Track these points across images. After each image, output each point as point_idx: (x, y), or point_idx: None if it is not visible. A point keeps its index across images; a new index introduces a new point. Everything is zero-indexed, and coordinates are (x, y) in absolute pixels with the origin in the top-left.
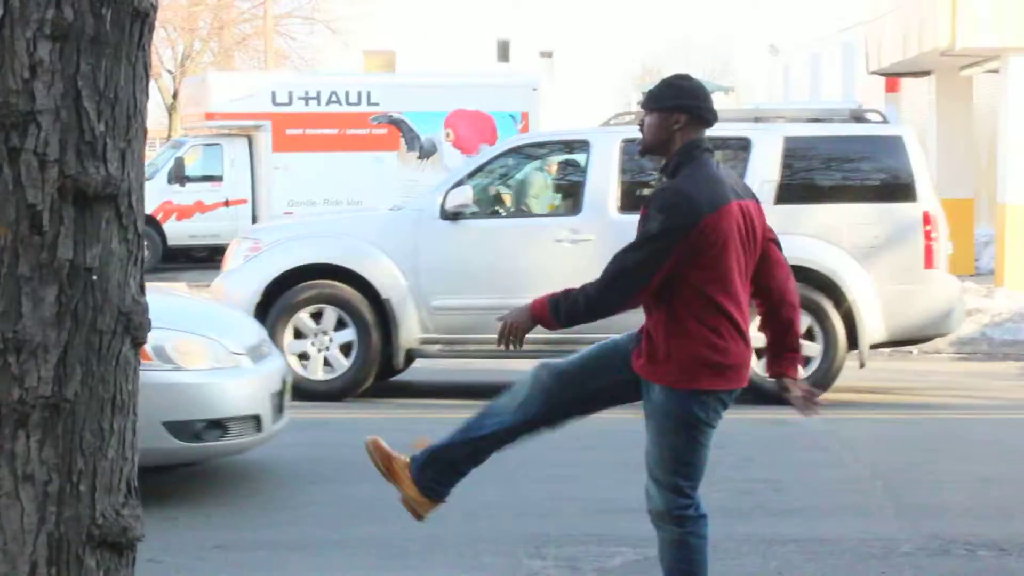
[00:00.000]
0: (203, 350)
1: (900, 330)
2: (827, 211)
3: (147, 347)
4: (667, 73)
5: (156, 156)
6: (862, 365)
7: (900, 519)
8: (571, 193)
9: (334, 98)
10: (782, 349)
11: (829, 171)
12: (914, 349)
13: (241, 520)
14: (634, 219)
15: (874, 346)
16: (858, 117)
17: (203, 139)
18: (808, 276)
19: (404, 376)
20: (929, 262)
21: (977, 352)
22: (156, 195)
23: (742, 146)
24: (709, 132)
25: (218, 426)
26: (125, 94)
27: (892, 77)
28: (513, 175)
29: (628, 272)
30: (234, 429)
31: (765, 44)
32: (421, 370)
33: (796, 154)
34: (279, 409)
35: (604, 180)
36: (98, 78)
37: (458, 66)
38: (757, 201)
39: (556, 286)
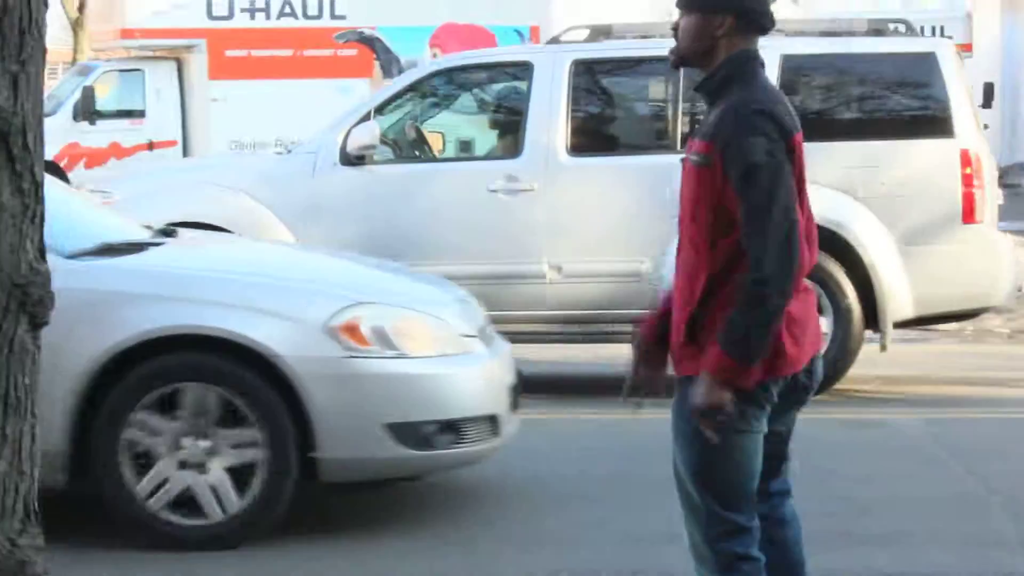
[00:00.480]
0: (429, 332)
1: (933, 302)
2: (838, 150)
3: (365, 329)
4: None
5: (58, 85)
6: (884, 348)
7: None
8: (509, 131)
9: (287, 9)
10: None
11: (840, 99)
12: (969, 325)
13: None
14: (589, 163)
15: (900, 325)
16: (878, 29)
17: (118, 63)
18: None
19: None
20: (969, 215)
21: None
22: (59, 135)
23: None
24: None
25: (451, 429)
26: (16, 3)
27: None
28: (435, 107)
29: (782, 221)
30: (469, 433)
31: None
32: None
33: (797, 77)
34: (514, 407)
35: (549, 114)
36: None
37: None
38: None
39: (490, 250)
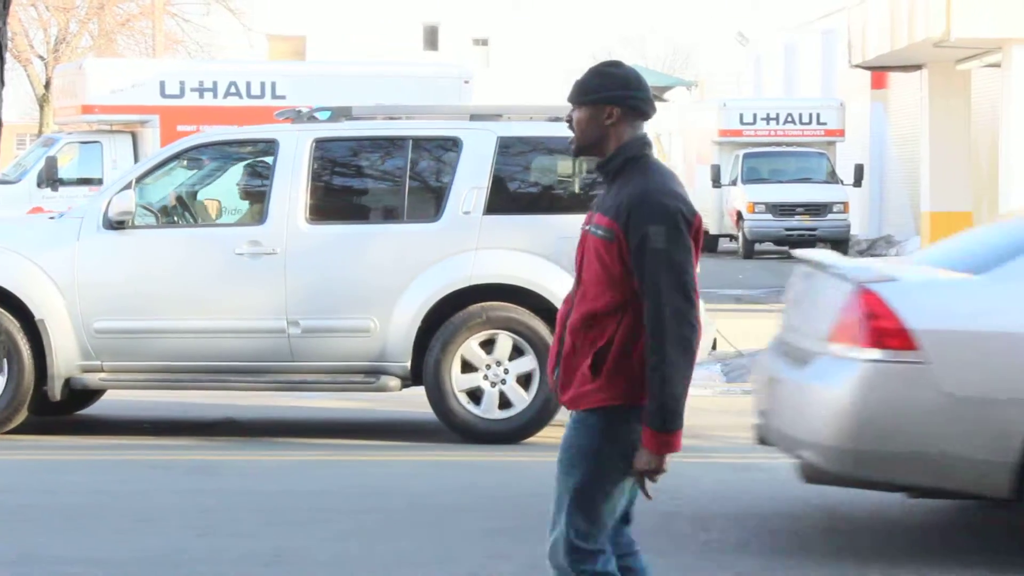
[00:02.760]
0: None
1: None
2: (543, 222)
3: None
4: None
5: (25, 155)
6: None
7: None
8: (256, 200)
9: (233, 89)
10: None
11: (547, 176)
12: None
13: None
14: (326, 230)
15: None
16: None
17: (79, 136)
18: (522, 298)
19: (94, 411)
20: None
21: None
22: (24, 199)
23: (450, 146)
24: (412, 131)
25: None
26: None
27: (878, 71)
28: (192, 178)
29: (686, 289)
30: None
31: (733, 33)
32: (116, 404)
33: (511, 157)
34: None
35: (291, 186)
36: None
37: (378, 54)
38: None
39: (234, 306)
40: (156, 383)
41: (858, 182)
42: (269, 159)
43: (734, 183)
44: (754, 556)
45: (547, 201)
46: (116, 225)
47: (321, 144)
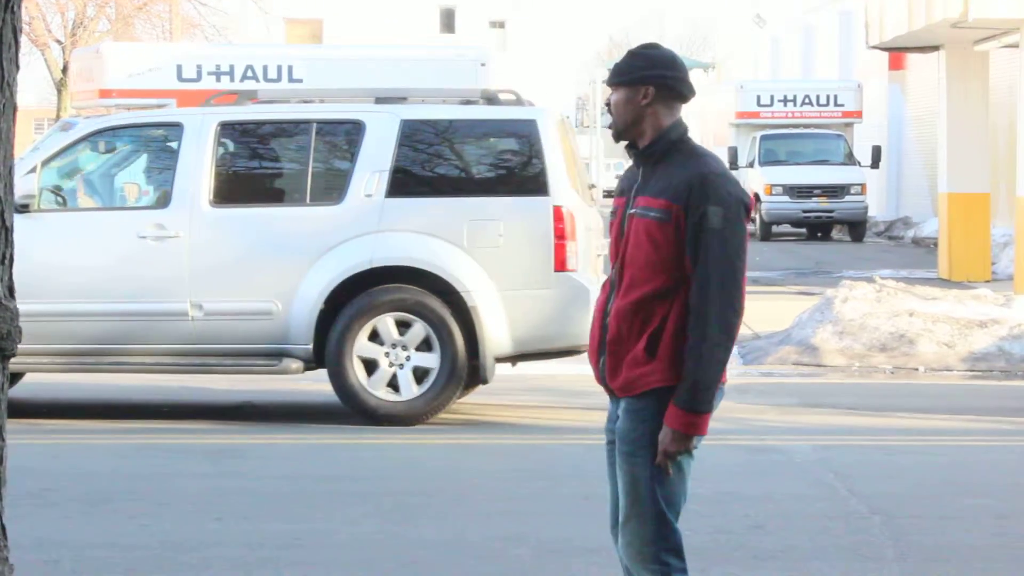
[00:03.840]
0: None
1: (528, 341)
2: (446, 205)
3: None
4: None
5: (42, 139)
6: (485, 381)
7: (903, 562)
8: (161, 184)
9: (250, 73)
10: None
11: (452, 159)
12: (921, 366)
13: (138, 561)
14: (229, 213)
15: (501, 359)
16: (490, 98)
17: (97, 120)
18: (424, 280)
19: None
20: (560, 264)
21: (994, 369)
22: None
23: (353, 130)
24: (316, 114)
25: None
26: None
27: (896, 52)
28: (105, 161)
29: (737, 273)
30: None
31: (750, 15)
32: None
33: (415, 140)
34: None
35: (196, 169)
36: None
37: (395, 38)
38: None
39: (138, 289)
40: (61, 366)
41: (875, 164)
42: (175, 143)
43: (751, 165)
44: (771, 538)
45: (451, 184)
46: (20, 208)
47: (226, 127)
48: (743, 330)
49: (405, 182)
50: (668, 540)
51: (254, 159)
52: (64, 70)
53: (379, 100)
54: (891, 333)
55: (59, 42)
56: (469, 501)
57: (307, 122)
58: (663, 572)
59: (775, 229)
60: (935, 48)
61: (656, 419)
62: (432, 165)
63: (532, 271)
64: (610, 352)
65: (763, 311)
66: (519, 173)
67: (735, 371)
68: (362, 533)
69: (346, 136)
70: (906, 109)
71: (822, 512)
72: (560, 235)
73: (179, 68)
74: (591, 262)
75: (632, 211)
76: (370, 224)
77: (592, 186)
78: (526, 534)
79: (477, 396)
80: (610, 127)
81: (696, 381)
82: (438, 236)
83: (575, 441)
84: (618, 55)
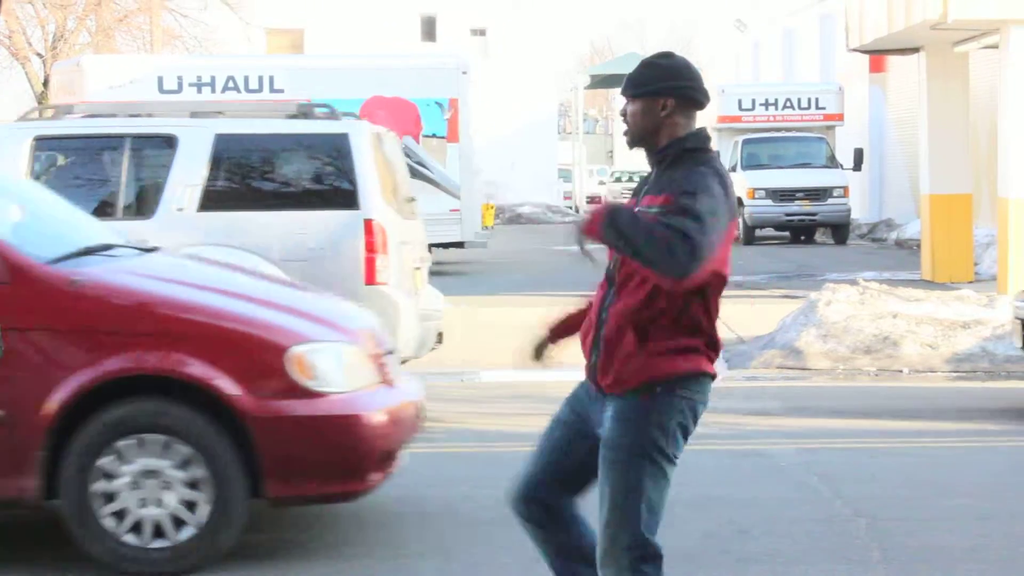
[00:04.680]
0: None
1: None
2: (258, 219)
3: None
4: (620, 53)
5: None
6: None
7: (888, 564)
8: None
9: (231, 84)
10: None
11: (264, 173)
12: (905, 368)
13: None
14: None
15: None
16: (305, 113)
17: None
18: None
19: None
20: (371, 277)
21: (977, 370)
22: None
23: (166, 144)
24: (129, 129)
25: None
26: None
27: (876, 55)
28: None
29: (707, 242)
30: None
31: (731, 19)
32: None
33: (228, 154)
34: None
35: None
36: None
37: (376, 46)
38: None
39: None
40: None
41: (858, 166)
42: None
43: (733, 169)
44: (756, 542)
45: (263, 198)
46: None
47: (40, 142)
48: (728, 334)
49: (218, 196)
50: (647, 548)
51: (69, 173)
52: (45, 83)
53: (194, 114)
54: (875, 335)
55: (40, 55)
56: (458, 510)
57: (121, 136)
58: (639, 563)
59: (758, 233)
60: (915, 50)
61: (645, 425)
62: (245, 179)
63: (342, 285)
64: (604, 350)
65: (747, 315)
66: (331, 187)
67: (720, 375)
68: (362, 536)
69: (159, 150)
70: (887, 111)
71: (807, 515)
72: (371, 249)
73: (160, 80)
74: (405, 276)
75: (636, 210)
76: (181, 238)
77: (412, 199)
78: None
79: (461, 404)
80: (625, 135)
81: (621, 228)
82: (249, 249)
83: None
84: (599, 60)
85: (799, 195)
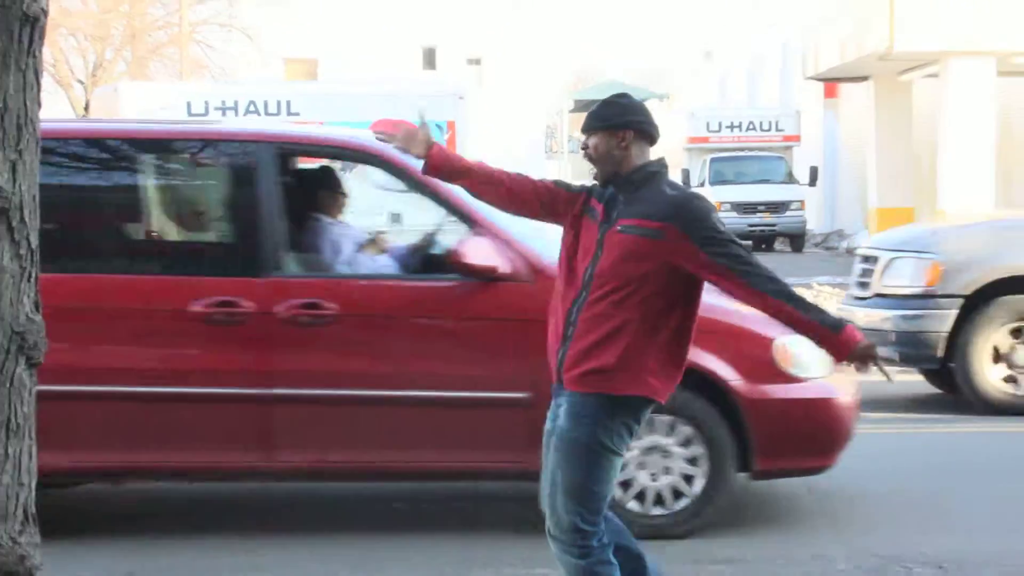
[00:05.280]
0: None
1: None
2: None
3: None
4: (601, 80)
5: None
6: None
7: (833, 534)
8: None
9: (252, 108)
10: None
11: None
12: None
13: (152, 547)
14: None
15: None
16: None
17: None
18: None
19: None
20: None
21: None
22: None
23: None
24: None
25: None
26: (15, 103)
27: (830, 83)
28: None
29: (754, 260)
30: None
31: (700, 50)
32: None
33: None
34: None
35: None
36: None
37: (382, 74)
38: None
39: None
40: None
41: (813, 182)
42: None
43: (702, 185)
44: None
45: None
46: None
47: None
48: None
49: None
50: (589, 528)
51: None
52: (86, 107)
53: None
54: None
55: (81, 82)
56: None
57: None
58: (580, 539)
59: None
60: (864, 78)
61: (594, 423)
62: None
63: None
64: (572, 347)
65: None
66: None
67: None
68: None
69: None
70: (839, 133)
71: (759, 489)
72: None
73: (188, 104)
74: None
75: (617, 228)
76: None
77: None
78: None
79: None
80: (592, 168)
81: (816, 319)
82: None
83: None
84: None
85: (760, 208)
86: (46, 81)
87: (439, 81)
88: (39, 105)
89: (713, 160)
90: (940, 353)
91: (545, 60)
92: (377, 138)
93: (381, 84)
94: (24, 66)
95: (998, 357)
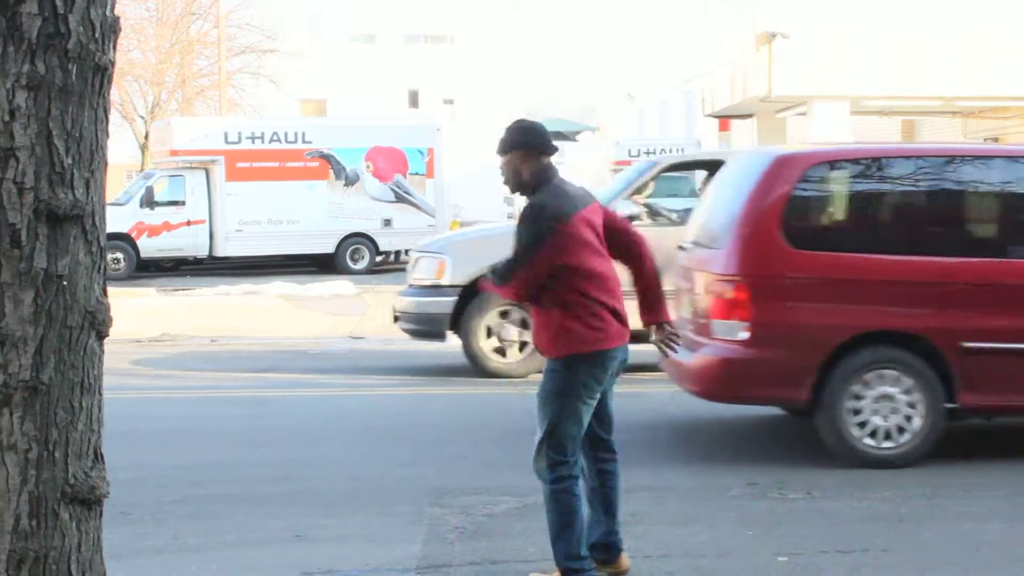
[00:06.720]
0: None
1: None
2: None
3: None
4: (547, 114)
5: (131, 185)
6: None
7: (730, 465)
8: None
9: (275, 137)
10: (656, 297)
11: None
12: None
13: (197, 478)
14: None
15: None
16: None
17: (169, 171)
18: None
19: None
20: None
21: None
22: (130, 217)
23: None
24: None
25: None
26: (89, 133)
27: (723, 119)
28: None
29: (510, 274)
30: None
31: (624, 93)
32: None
33: None
34: None
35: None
36: (66, 120)
37: (376, 110)
38: (596, 201)
39: None
40: None
41: None
42: None
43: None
44: (671, 453)
45: None
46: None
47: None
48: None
49: None
50: (562, 458)
51: None
52: (146, 136)
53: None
54: None
55: (142, 117)
56: (427, 432)
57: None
58: (550, 460)
59: None
60: (750, 116)
61: (558, 379)
62: None
63: None
64: (536, 332)
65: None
66: None
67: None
68: (355, 454)
69: None
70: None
71: (675, 433)
72: None
73: (225, 134)
74: None
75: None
76: None
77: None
78: (467, 455)
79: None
80: (505, 183)
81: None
82: None
83: (504, 391)
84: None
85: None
86: (114, 117)
87: (421, 116)
88: (107, 135)
89: None
90: (445, 329)
91: (503, 99)
92: None
93: (375, 119)
94: (95, 105)
95: (490, 333)
